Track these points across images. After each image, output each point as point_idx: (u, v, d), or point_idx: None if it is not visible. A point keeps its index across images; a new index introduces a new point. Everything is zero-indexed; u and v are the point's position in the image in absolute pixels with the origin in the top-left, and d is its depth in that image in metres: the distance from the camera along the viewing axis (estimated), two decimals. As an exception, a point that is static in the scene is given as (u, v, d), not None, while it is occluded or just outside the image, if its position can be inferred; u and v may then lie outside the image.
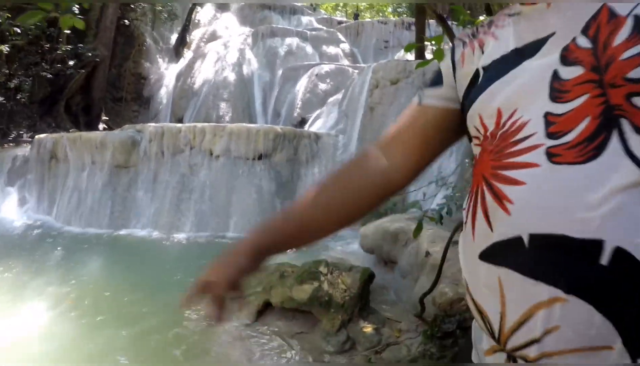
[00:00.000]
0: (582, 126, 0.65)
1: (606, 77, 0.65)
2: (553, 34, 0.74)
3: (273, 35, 15.09)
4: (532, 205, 0.65)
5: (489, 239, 0.70)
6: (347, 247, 5.81)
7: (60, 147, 7.61)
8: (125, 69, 13.35)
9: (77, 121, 11.38)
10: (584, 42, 0.69)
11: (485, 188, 0.72)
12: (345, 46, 15.90)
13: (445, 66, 0.92)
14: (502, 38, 0.82)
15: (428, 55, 9.79)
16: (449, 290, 3.25)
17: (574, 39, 0.71)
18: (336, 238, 6.39)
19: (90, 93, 11.89)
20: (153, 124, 8.29)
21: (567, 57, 0.70)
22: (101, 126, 11.76)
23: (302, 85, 12.43)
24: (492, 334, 0.71)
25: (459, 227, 2.97)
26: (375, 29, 16.81)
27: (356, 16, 21.35)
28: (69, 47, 10.80)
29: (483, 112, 0.78)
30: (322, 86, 12.20)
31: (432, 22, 15.32)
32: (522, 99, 0.72)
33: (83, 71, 11.27)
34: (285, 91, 12.80)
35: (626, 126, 0.62)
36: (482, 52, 0.84)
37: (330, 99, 10.92)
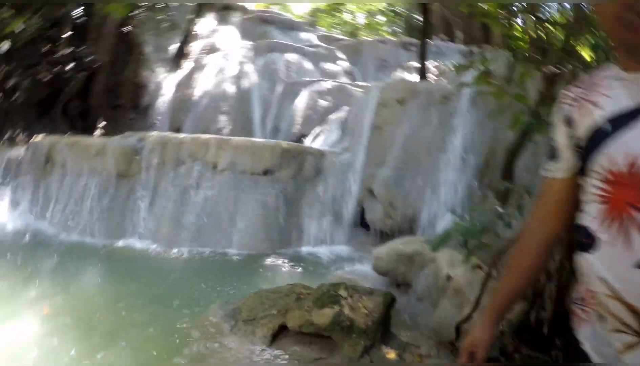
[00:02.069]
0: None
1: None
2: None
3: (273, 50, 14.99)
4: None
5: None
6: (355, 269, 5.60)
7: (57, 151, 7.31)
8: (124, 76, 13.12)
9: (73, 125, 11.11)
10: None
11: (634, 212, 0.99)
12: (344, 64, 15.86)
13: (559, 134, 1.20)
14: (616, 96, 1.08)
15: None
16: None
17: None
18: (344, 260, 6.20)
19: (89, 98, 11.62)
20: (156, 132, 8.04)
21: None
22: (97, 132, 11.49)
23: (302, 101, 12.29)
24: None
25: (496, 259, 2.84)
26: (374, 47, 16.81)
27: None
28: (69, 50, 10.55)
29: (616, 154, 1.03)
30: (323, 103, 12.08)
31: (431, 43, 15.42)
32: None
33: (82, 74, 11.02)
34: (285, 106, 12.64)
35: None
36: (599, 108, 1.09)
37: (331, 116, 10.81)
